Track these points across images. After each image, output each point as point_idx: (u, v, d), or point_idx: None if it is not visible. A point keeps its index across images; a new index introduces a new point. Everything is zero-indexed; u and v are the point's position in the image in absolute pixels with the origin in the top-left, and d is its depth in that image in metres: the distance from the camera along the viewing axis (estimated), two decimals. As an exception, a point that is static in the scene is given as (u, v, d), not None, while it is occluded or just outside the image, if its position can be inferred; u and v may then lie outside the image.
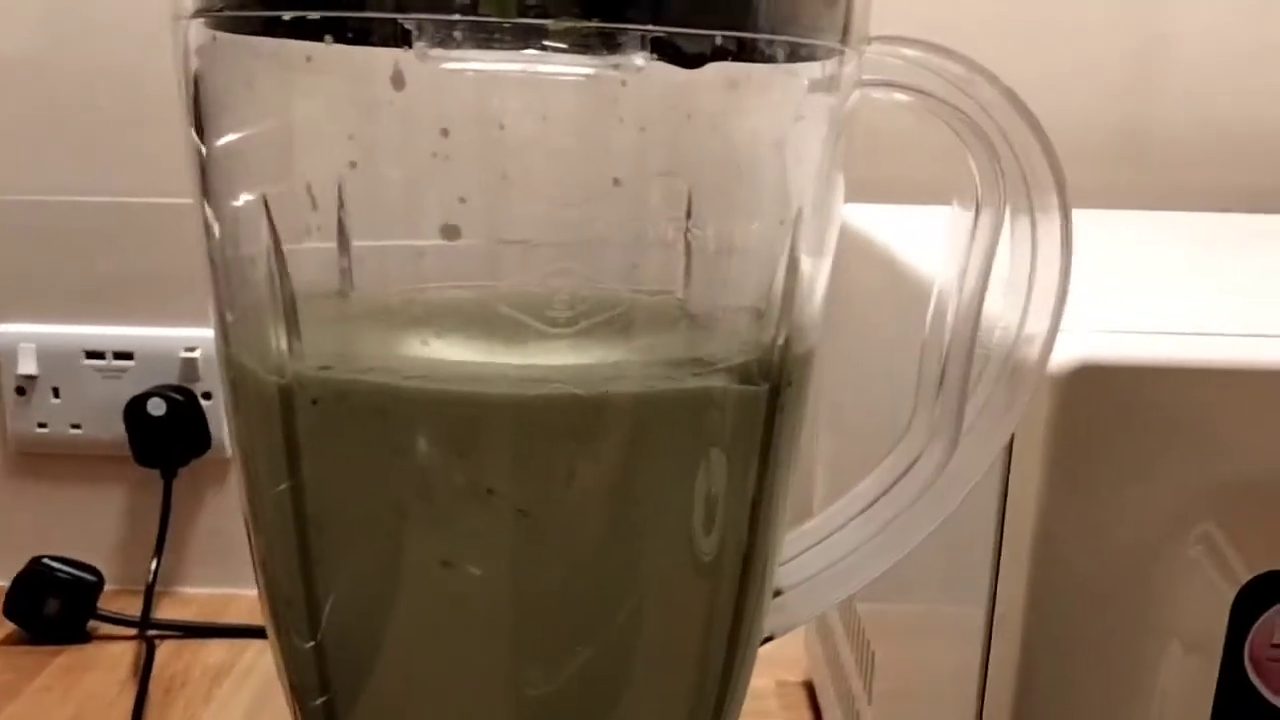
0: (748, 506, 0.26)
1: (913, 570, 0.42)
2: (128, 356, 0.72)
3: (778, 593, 0.29)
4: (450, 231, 0.21)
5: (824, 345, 0.60)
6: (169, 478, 0.71)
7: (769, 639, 0.29)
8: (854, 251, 0.54)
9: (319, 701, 0.28)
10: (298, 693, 0.29)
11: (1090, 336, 0.30)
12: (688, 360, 0.24)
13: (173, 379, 0.71)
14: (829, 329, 0.58)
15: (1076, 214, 0.52)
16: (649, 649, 0.26)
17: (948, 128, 0.27)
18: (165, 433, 0.70)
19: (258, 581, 0.29)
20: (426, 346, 0.24)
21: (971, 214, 0.28)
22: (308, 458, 0.24)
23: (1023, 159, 0.27)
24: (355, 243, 0.24)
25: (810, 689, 0.65)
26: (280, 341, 0.23)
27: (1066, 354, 0.29)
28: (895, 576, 0.45)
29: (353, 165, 0.22)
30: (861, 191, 0.55)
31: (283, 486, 0.25)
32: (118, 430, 0.71)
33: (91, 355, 0.72)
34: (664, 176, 0.22)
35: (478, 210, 0.22)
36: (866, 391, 0.50)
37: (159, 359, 0.71)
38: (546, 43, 0.21)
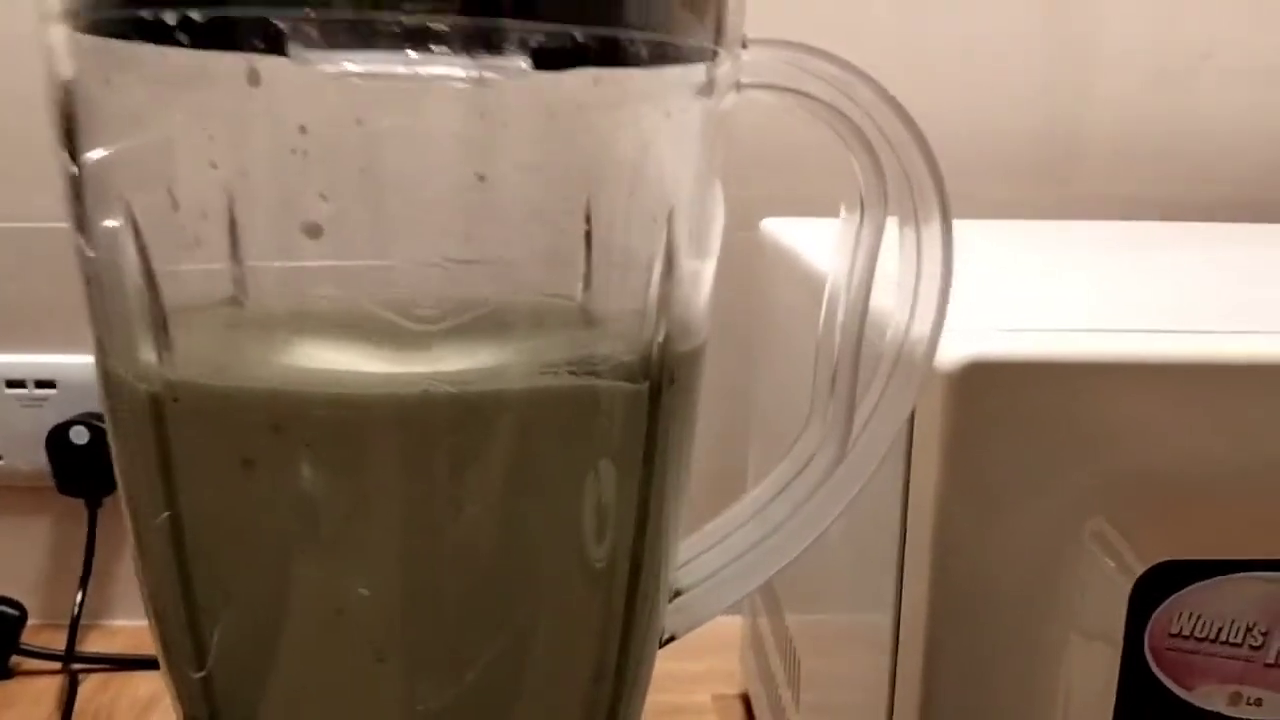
0: (635, 510, 0.26)
1: (831, 579, 0.42)
2: (49, 385, 0.70)
3: (678, 593, 0.29)
4: (312, 229, 0.21)
5: (750, 357, 0.60)
6: (94, 508, 0.70)
7: (671, 639, 0.29)
8: (775, 263, 0.55)
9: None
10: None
11: (980, 334, 0.30)
12: (566, 361, 0.24)
13: (96, 407, 0.70)
14: (756, 340, 0.59)
15: (987, 223, 0.53)
16: (540, 655, 0.26)
17: (832, 132, 0.27)
18: (89, 462, 0.69)
19: (148, 615, 0.29)
20: (303, 354, 0.23)
21: (857, 216, 0.28)
22: (182, 476, 0.24)
23: (904, 161, 0.27)
24: (233, 250, 0.24)
25: (746, 701, 0.65)
26: (150, 354, 0.23)
27: (957, 352, 0.30)
28: (817, 586, 0.45)
29: (214, 166, 0.21)
30: (785, 208, 0.56)
31: (163, 517, 0.25)
32: (40, 460, 0.69)
33: (12, 384, 0.70)
34: (528, 171, 0.22)
35: (340, 208, 0.22)
36: (788, 401, 0.51)
37: (82, 387, 0.70)
38: (433, 46, 0.21)
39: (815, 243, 0.50)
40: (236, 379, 0.23)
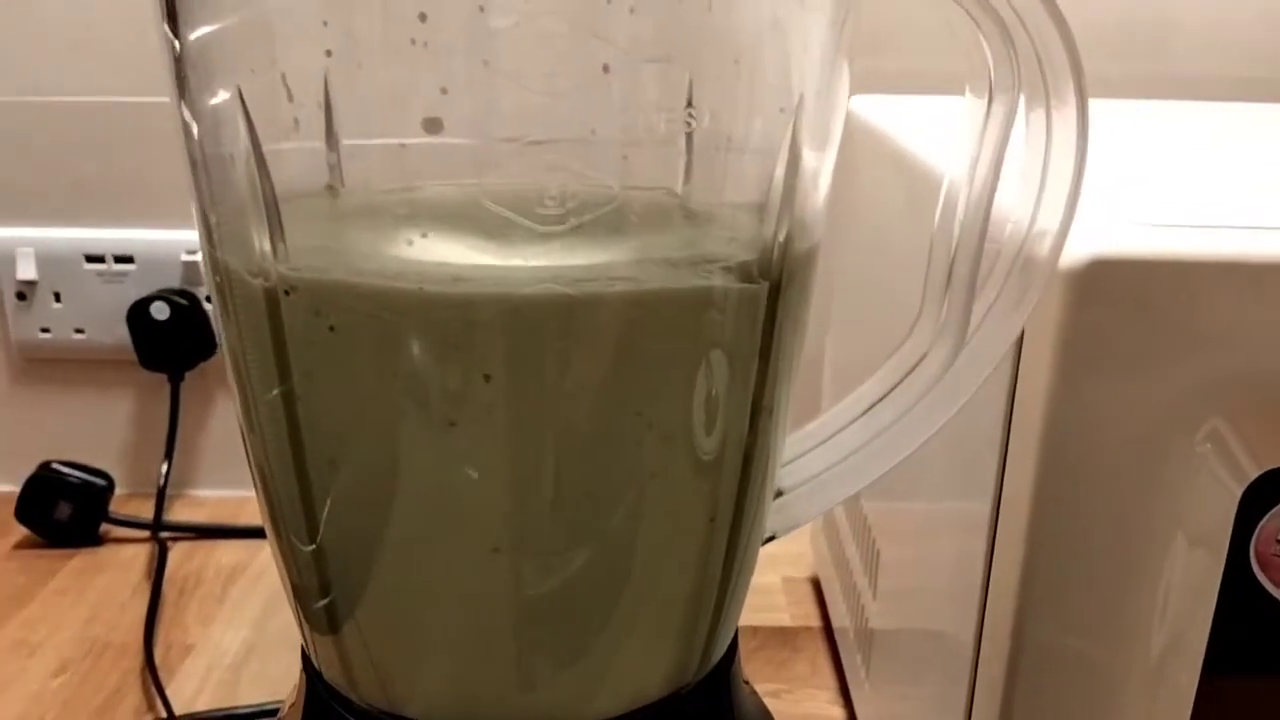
0: (748, 407, 0.25)
1: (919, 467, 0.41)
2: (128, 260, 0.71)
3: (779, 493, 0.29)
4: (432, 124, 0.21)
5: (833, 243, 0.59)
6: (176, 381, 0.71)
7: (771, 538, 0.29)
8: (863, 145, 0.53)
9: (321, 604, 0.28)
10: (300, 596, 0.29)
11: (1103, 230, 0.29)
12: (685, 259, 0.23)
13: (174, 283, 0.71)
14: (838, 226, 0.57)
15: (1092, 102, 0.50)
16: (647, 549, 0.26)
17: (961, 9, 0.26)
18: (170, 336, 0.70)
19: (255, 486, 0.29)
20: (413, 246, 0.23)
21: (984, 101, 0.27)
22: (297, 361, 0.23)
23: (1038, 43, 0.26)
24: (341, 138, 0.23)
25: (816, 585, 0.65)
26: (264, 243, 0.22)
27: (1079, 248, 0.28)
28: (902, 474, 0.44)
29: (329, 54, 0.21)
30: (874, 83, 0.54)
31: (275, 392, 0.25)
32: (121, 334, 0.70)
33: (92, 259, 0.71)
34: (656, 62, 0.21)
35: (460, 101, 0.21)
36: (875, 291, 0.50)
37: (160, 262, 0.71)
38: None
39: (908, 122, 0.48)
40: (349, 273, 0.22)
